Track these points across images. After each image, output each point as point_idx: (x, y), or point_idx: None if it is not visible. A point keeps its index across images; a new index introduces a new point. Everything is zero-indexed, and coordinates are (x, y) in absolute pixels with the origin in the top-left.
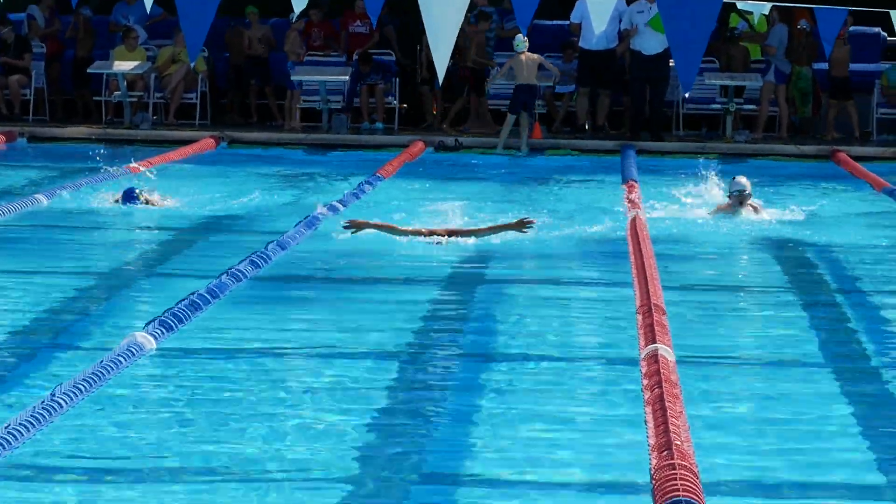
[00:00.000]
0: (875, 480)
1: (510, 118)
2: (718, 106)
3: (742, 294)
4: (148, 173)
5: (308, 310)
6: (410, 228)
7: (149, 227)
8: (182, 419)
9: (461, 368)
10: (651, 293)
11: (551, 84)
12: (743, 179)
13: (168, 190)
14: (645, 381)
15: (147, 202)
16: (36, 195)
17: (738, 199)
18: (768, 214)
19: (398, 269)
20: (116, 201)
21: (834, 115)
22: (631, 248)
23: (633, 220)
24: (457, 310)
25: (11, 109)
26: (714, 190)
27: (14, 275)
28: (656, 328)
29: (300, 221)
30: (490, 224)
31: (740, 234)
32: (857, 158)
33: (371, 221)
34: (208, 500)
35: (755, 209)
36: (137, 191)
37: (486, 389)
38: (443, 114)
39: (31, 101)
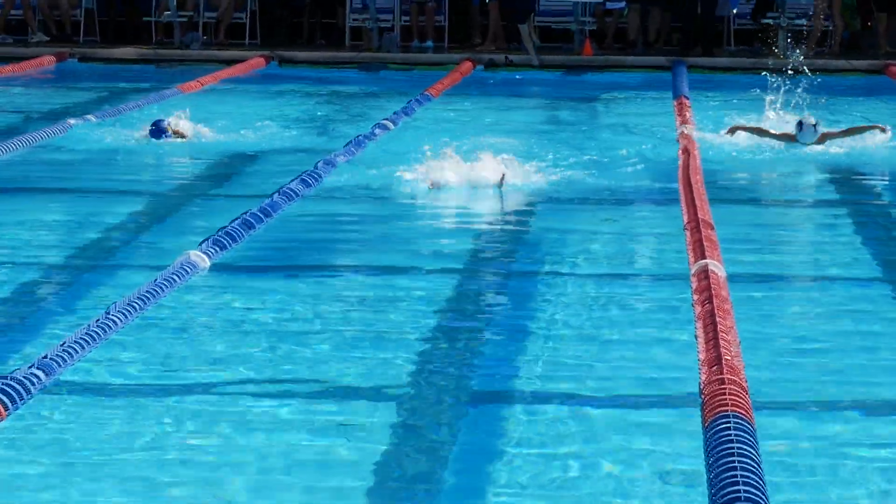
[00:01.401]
0: None
1: (522, 29)
2: (770, 21)
3: (792, 211)
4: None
5: (360, 227)
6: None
7: (198, 152)
8: (236, 337)
9: (512, 284)
10: (699, 209)
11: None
12: (812, 125)
13: (218, 110)
14: (695, 297)
15: (176, 134)
16: (86, 115)
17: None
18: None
19: (447, 188)
20: (143, 135)
21: (885, 29)
22: (680, 165)
23: (684, 136)
24: (507, 226)
25: (62, 30)
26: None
27: (66, 195)
28: (705, 243)
29: (350, 140)
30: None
31: (790, 149)
32: None
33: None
34: (266, 414)
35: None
36: (166, 122)
37: (537, 304)
38: (482, 31)
39: (82, 23)
